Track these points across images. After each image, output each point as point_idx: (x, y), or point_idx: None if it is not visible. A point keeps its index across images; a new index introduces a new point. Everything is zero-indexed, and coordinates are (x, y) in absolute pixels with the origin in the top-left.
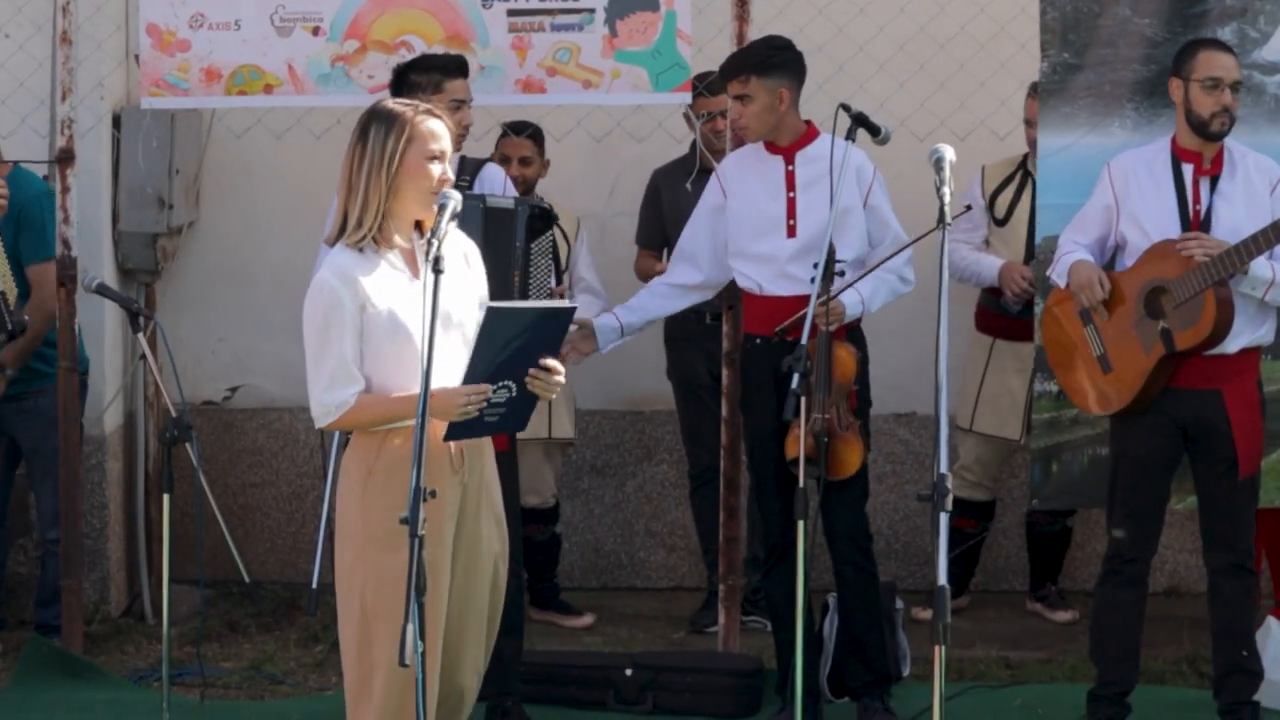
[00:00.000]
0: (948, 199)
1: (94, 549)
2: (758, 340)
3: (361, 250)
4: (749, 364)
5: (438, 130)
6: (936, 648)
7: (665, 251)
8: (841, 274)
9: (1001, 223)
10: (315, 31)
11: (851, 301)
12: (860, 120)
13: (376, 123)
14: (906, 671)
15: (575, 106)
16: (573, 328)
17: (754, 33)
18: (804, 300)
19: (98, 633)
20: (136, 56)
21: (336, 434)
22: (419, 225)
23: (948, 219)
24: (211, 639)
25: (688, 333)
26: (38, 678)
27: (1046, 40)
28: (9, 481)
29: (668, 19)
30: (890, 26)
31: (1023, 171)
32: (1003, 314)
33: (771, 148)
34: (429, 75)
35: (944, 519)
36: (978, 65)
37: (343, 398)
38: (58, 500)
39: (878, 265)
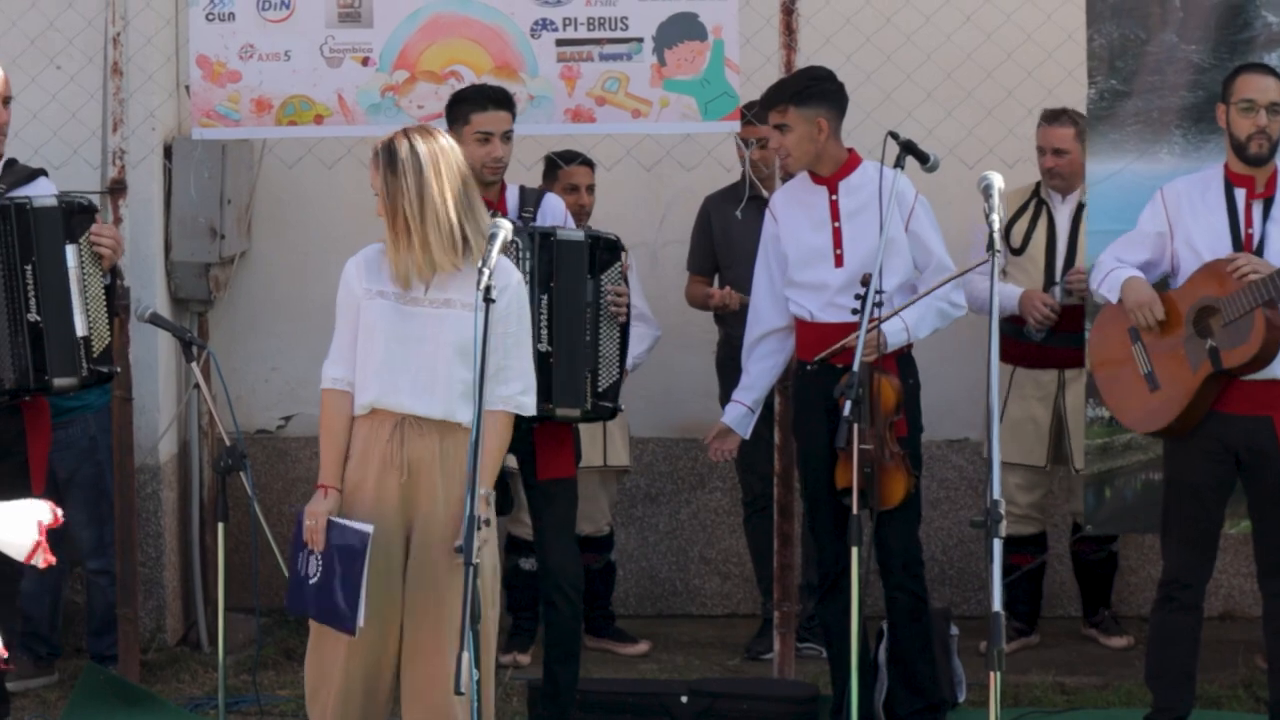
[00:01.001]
0: (997, 226)
1: (150, 578)
2: (809, 366)
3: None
4: (800, 390)
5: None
6: (992, 674)
7: (715, 277)
8: (880, 304)
9: (1018, 252)
10: (365, 62)
11: (894, 330)
12: (908, 148)
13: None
14: (962, 698)
15: (624, 135)
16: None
17: (801, 61)
18: (853, 328)
19: (154, 661)
20: (187, 87)
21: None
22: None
23: (998, 246)
24: (267, 667)
25: (739, 360)
26: (94, 706)
27: (1094, 67)
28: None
29: (716, 48)
30: (938, 54)
31: (1036, 200)
32: (1022, 341)
33: (815, 178)
34: (459, 107)
35: (998, 545)
36: (1026, 92)
37: (331, 374)
38: (97, 530)
39: (927, 293)
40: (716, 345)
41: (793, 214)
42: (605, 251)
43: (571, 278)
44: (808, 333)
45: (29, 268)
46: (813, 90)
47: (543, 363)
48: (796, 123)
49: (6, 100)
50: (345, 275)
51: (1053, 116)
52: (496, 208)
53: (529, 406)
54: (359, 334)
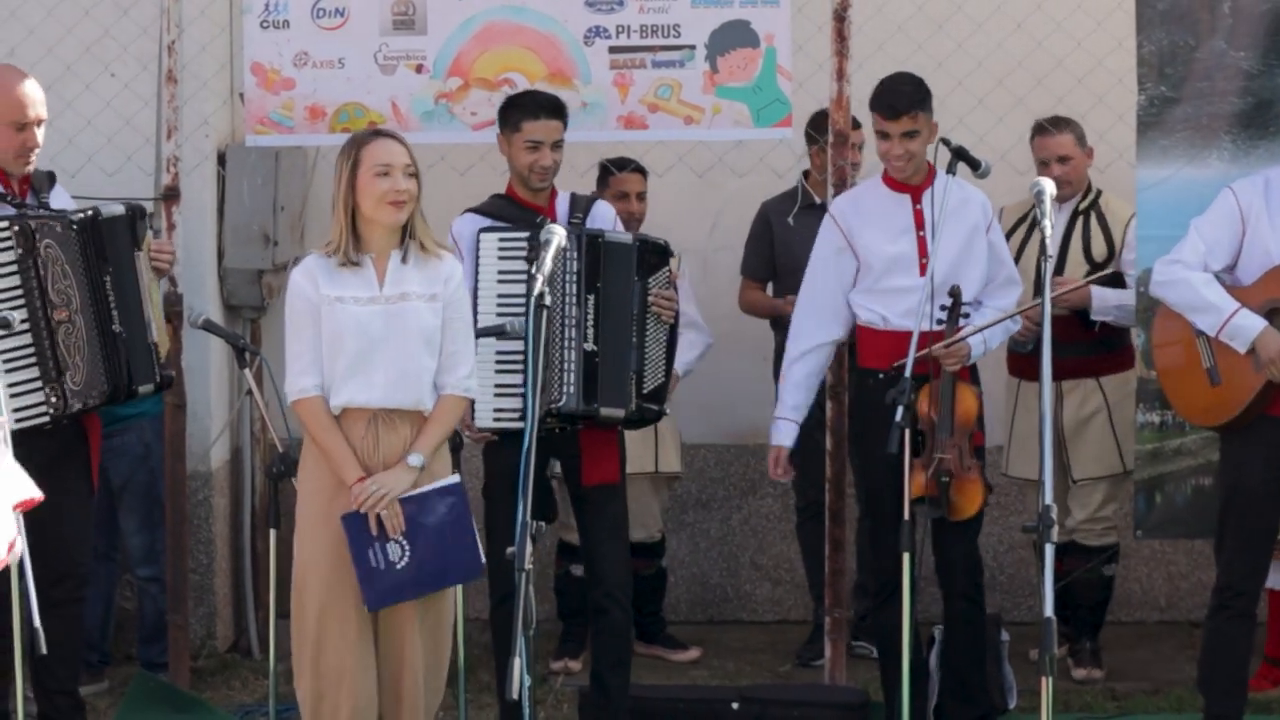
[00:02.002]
0: (1049, 232)
1: (200, 584)
2: (879, 375)
3: (330, 258)
4: (867, 399)
5: (384, 148)
6: (1043, 679)
7: (772, 284)
8: (967, 315)
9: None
10: (419, 69)
11: (975, 342)
12: (960, 154)
13: (340, 152)
14: (1013, 704)
15: (677, 142)
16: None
17: (852, 68)
18: (927, 337)
19: (204, 668)
20: (241, 95)
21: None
22: (407, 231)
23: (1050, 251)
24: None
25: None
26: (145, 713)
27: (1143, 74)
28: (115, 518)
29: (768, 55)
30: (988, 61)
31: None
32: (1021, 354)
33: (896, 185)
34: (511, 113)
35: (1049, 550)
36: (1075, 99)
37: (304, 384)
38: (148, 537)
39: (1011, 314)
40: (773, 353)
41: (870, 221)
42: (653, 255)
43: (618, 280)
44: (878, 341)
45: (107, 279)
46: (929, 95)
47: (588, 363)
48: (925, 127)
49: (40, 122)
50: (298, 287)
51: (1049, 126)
52: (546, 214)
53: (474, 390)
54: (324, 340)
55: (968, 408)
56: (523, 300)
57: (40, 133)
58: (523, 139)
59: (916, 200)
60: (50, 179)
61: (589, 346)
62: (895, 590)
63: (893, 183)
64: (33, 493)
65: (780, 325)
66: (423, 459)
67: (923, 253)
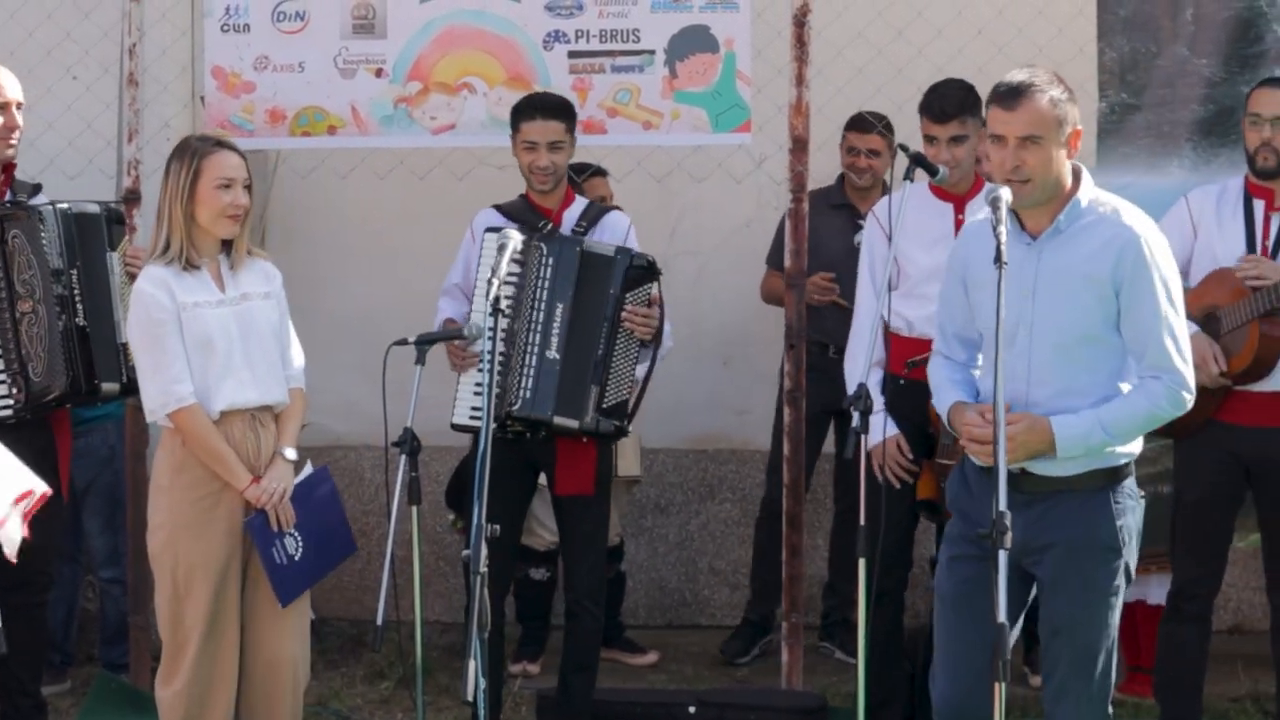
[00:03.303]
0: (1003, 239)
1: None
2: (900, 381)
3: (171, 266)
4: (890, 404)
5: (226, 161)
6: (996, 685)
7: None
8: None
9: None
10: (378, 73)
11: None
12: (918, 160)
13: (175, 158)
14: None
15: (636, 147)
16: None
17: (812, 73)
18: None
19: None
20: (202, 98)
21: (401, 470)
22: (227, 245)
23: (1004, 258)
24: None
25: (810, 364)
26: (106, 714)
27: (1104, 81)
28: (79, 520)
29: (727, 60)
30: (949, 67)
31: None
32: None
33: (942, 194)
34: (515, 116)
35: (1003, 556)
36: None
37: (181, 393)
38: (111, 538)
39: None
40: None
41: (908, 229)
42: (637, 270)
43: (594, 290)
44: (901, 346)
45: (74, 272)
46: (980, 101)
47: (548, 370)
48: (973, 133)
49: (19, 105)
50: (152, 299)
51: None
52: (552, 217)
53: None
54: (190, 348)
55: None
56: (512, 300)
57: (19, 115)
58: (520, 140)
59: (959, 210)
60: (35, 190)
61: (552, 354)
62: (888, 595)
63: (939, 191)
64: (33, 485)
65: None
66: (294, 451)
67: None
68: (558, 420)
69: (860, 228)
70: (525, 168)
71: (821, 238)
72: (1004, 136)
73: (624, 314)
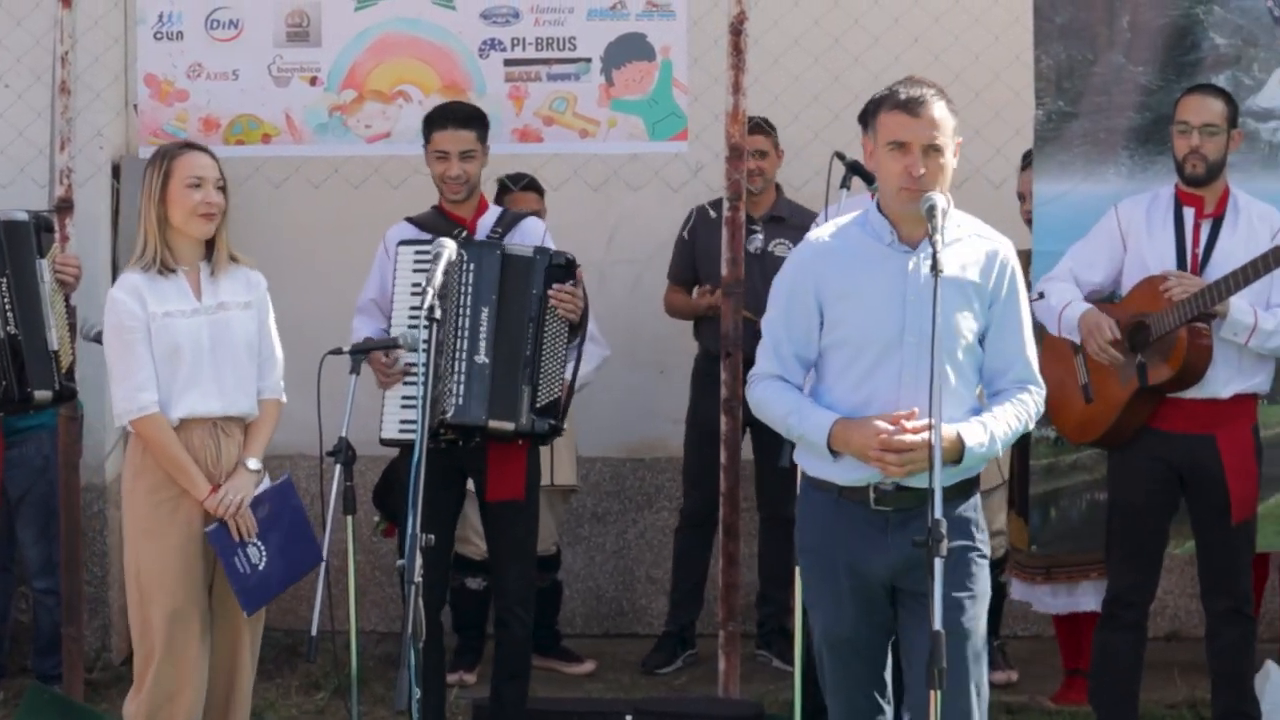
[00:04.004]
0: (940, 247)
1: (95, 596)
2: None
3: (147, 272)
4: None
5: (195, 161)
6: (932, 693)
7: (694, 290)
8: None
9: None
10: (313, 81)
11: None
12: (854, 168)
13: (148, 164)
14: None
15: (572, 155)
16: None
17: (748, 81)
18: None
19: (99, 680)
20: (135, 106)
21: (336, 480)
22: (209, 247)
23: (941, 268)
24: None
25: (716, 377)
26: None
27: (1041, 88)
28: (12, 530)
29: (664, 68)
30: (885, 75)
31: None
32: None
33: None
34: (426, 125)
35: (939, 564)
36: (973, 114)
37: (144, 401)
38: (45, 549)
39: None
40: (694, 359)
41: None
42: (556, 269)
43: (516, 292)
44: None
45: (4, 280)
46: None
47: (478, 374)
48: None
49: None
50: (124, 306)
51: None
52: (467, 226)
53: (283, 393)
54: (158, 356)
55: None
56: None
57: None
58: (432, 149)
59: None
60: None
61: (480, 359)
62: None
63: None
64: None
65: (701, 334)
66: (259, 463)
67: None
68: (493, 424)
69: (754, 233)
70: (437, 178)
71: (716, 245)
72: (908, 143)
73: (550, 293)
